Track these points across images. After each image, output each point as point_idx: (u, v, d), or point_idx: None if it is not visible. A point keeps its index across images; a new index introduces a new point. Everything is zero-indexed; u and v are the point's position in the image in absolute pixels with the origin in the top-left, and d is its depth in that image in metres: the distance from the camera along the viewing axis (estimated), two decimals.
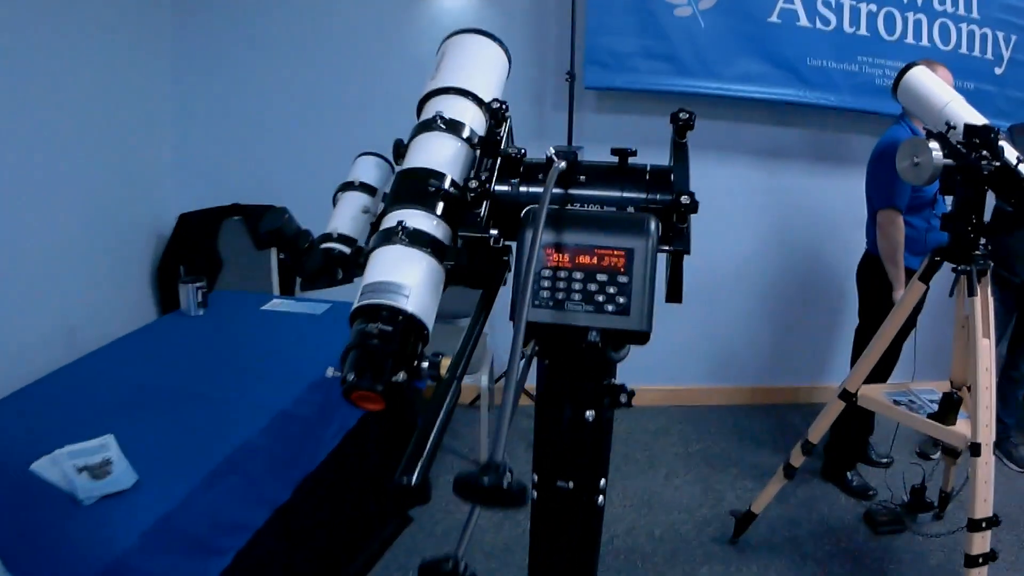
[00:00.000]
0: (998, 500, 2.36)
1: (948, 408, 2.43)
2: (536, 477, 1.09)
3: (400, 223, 0.95)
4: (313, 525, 2.38)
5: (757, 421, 4.37)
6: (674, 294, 0.97)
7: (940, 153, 2.24)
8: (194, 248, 3.87)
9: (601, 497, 1.10)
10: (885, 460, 3.72)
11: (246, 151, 3.98)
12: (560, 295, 0.90)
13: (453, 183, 0.99)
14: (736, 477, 3.70)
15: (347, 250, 1.10)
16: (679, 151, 1.02)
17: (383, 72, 3.88)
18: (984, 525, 2.31)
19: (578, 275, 0.90)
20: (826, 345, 4.54)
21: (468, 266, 0.97)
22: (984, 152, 2.19)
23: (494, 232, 0.95)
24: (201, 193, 3.91)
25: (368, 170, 1.19)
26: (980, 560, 2.33)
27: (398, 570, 2.87)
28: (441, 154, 1.04)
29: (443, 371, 0.90)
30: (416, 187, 1.00)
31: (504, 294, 0.95)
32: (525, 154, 1.01)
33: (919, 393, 2.66)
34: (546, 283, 0.90)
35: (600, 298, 0.89)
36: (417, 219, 0.97)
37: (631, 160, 1.02)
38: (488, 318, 0.98)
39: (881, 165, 3.13)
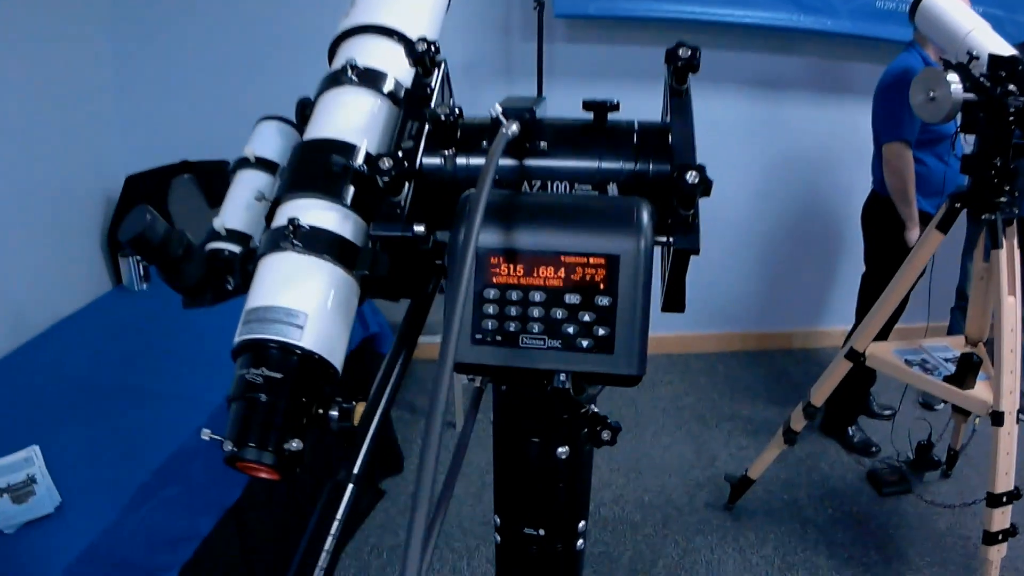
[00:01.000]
0: (1018, 468, 2.17)
1: (966, 370, 2.20)
2: (498, 520, 0.86)
3: (292, 221, 0.69)
4: (271, 520, 2.17)
5: (750, 370, 4.14)
6: (674, 301, 0.71)
7: (960, 87, 1.99)
8: None
9: (580, 541, 0.87)
10: (888, 412, 3.52)
11: (191, 105, 3.71)
12: (512, 326, 0.64)
13: (369, 158, 0.72)
14: (730, 434, 3.49)
15: (238, 250, 0.83)
16: (678, 103, 0.75)
17: (330, 4, 3.54)
18: (1005, 500, 2.12)
19: (538, 296, 0.63)
20: (823, 288, 4.32)
21: (389, 275, 0.71)
22: (1011, 86, 1.93)
23: (419, 229, 0.68)
24: (148, 153, 3.63)
25: (268, 140, 0.92)
26: (1000, 536, 2.15)
27: (371, 551, 2.68)
28: (351, 118, 0.78)
29: (357, 418, 0.68)
30: (314, 167, 0.74)
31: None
32: (461, 114, 0.73)
33: (933, 351, 2.43)
34: (491, 308, 0.64)
35: (570, 329, 0.63)
36: (316, 213, 0.72)
37: (612, 116, 0.75)
38: (417, 340, 0.73)
39: (888, 95, 2.90)
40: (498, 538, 0.88)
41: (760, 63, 3.80)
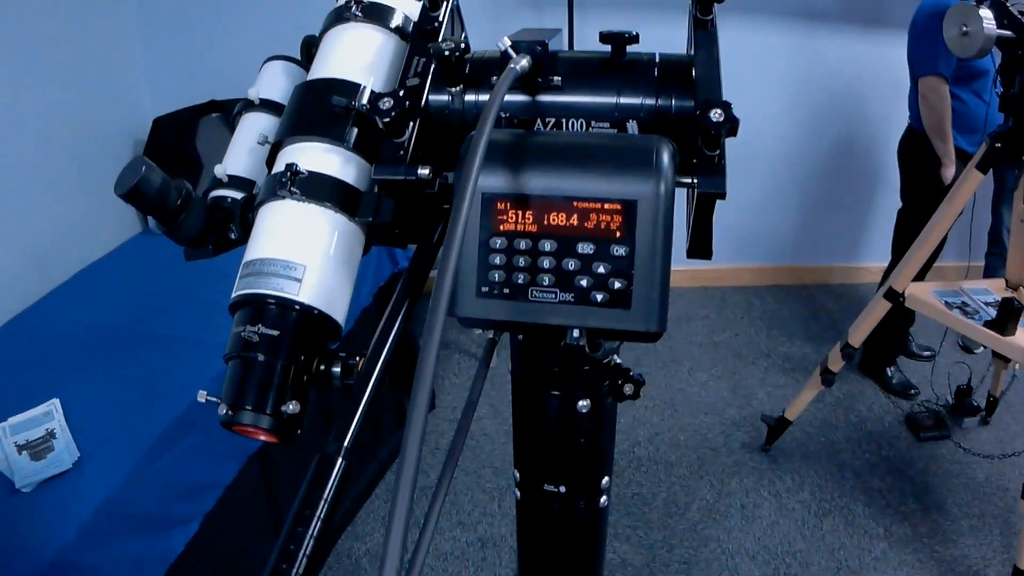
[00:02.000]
0: None
1: (1007, 316, 2.11)
2: (518, 475, 0.83)
3: (290, 167, 0.65)
4: (297, 463, 2.15)
5: (786, 305, 4.05)
6: (700, 247, 0.66)
7: (993, 24, 1.89)
8: (172, 152, 3.56)
9: (604, 498, 0.84)
10: (927, 353, 3.44)
11: (218, 44, 3.65)
12: (520, 277, 0.59)
13: (371, 97, 0.67)
14: (767, 371, 3.43)
15: (241, 196, 0.79)
16: (703, 36, 0.68)
17: None
18: None
19: (548, 245, 0.59)
20: (860, 223, 4.20)
21: (393, 221, 0.67)
22: None
23: (423, 171, 0.63)
24: (175, 94, 3.59)
25: (273, 81, 0.87)
26: None
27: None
28: (355, 56, 0.74)
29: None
30: (315, 108, 0.69)
31: None
32: (468, 47, 0.68)
33: (973, 293, 2.35)
34: (497, 259, 0.59)
35: (584, 282, 0.58)
36: (316, 157, 0.68)
37: (630, 49, 0.69)
38: (421, 290, 0.68)
39: (923, 28, 2.79)
40: (518, 494, 0.85)
41: None
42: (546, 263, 0.58)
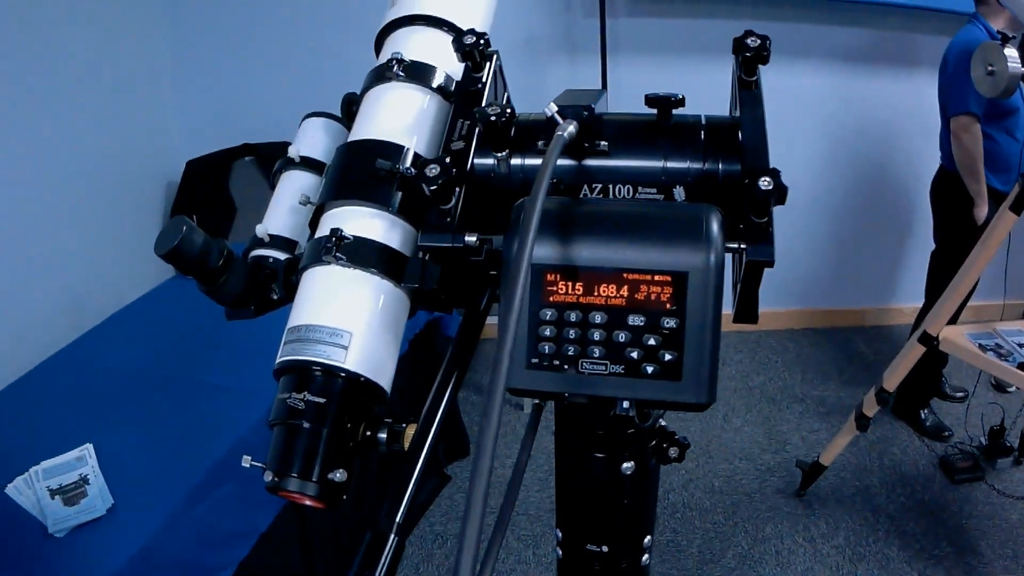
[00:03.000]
0: None
1: None
2: (560, 534, 0.83)
3: (335, 232, 0.65)
4: (332, 512, 2.14)
5: (820, 348, 4.01)
6: (747, 312, 0.65)
7: (1018, 62, 1.87)
8: (205, 195, 3.59)
9: (646, 556, 0.83)
10: (960, 394, 3.39)
11: (251, 87, 3.69)
12: (571, 349, 0.58)
13: (416, 163, 0.67)
14: (801, 416, 3.39)
15: (283, 257, 0.80)
16: (748, 96, 0.68)
17: None
18: None
19: (598, 317, 0.58)
20: (894, 264, 4.16)
21: (439, 287, 0.66)
22: None
23: (471, 239, 0.63)
24: (208, 137, 3.63)
25: (313, 138, 0.87)
26: None
27: (435, 539, 2.66)
28: (398, 117, 0.73)
29: (407, 442, 0.63)
30: (359, 171, 0.69)
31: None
32: (513, 113, 0.67)
33: (1007, 335, 2.32)
34: (547, 331, 0.58)
35: (634, 353, 0.57)
36: (361, 221, 0.67)
37: (676, 112, 0.68)
38: (469, 361, 0.68)
39: (954, 67, 2.79)
40: (560, 553, 0.84)
41: (827, 35, 3.67)
42: (596, 335, 0.58)
